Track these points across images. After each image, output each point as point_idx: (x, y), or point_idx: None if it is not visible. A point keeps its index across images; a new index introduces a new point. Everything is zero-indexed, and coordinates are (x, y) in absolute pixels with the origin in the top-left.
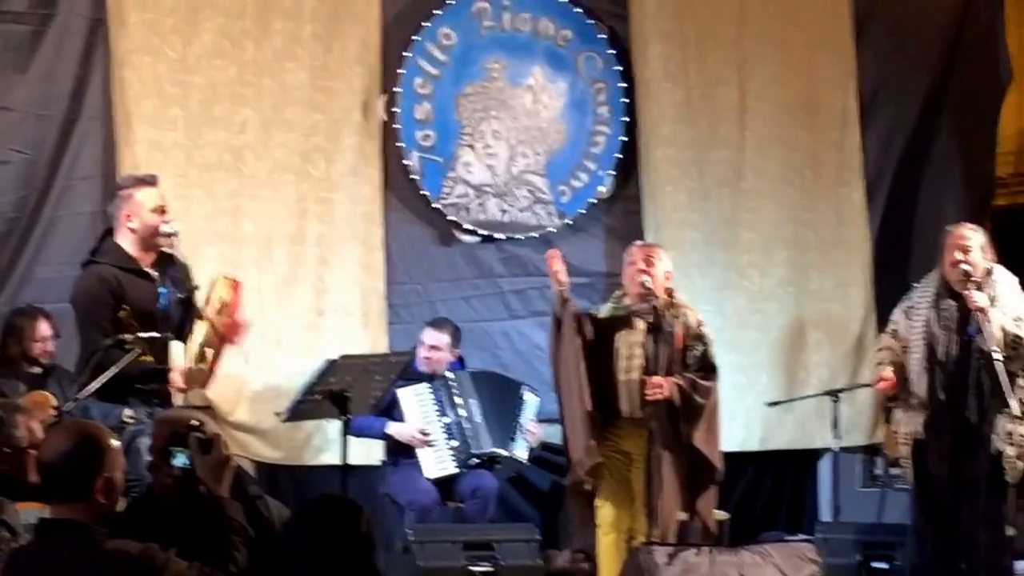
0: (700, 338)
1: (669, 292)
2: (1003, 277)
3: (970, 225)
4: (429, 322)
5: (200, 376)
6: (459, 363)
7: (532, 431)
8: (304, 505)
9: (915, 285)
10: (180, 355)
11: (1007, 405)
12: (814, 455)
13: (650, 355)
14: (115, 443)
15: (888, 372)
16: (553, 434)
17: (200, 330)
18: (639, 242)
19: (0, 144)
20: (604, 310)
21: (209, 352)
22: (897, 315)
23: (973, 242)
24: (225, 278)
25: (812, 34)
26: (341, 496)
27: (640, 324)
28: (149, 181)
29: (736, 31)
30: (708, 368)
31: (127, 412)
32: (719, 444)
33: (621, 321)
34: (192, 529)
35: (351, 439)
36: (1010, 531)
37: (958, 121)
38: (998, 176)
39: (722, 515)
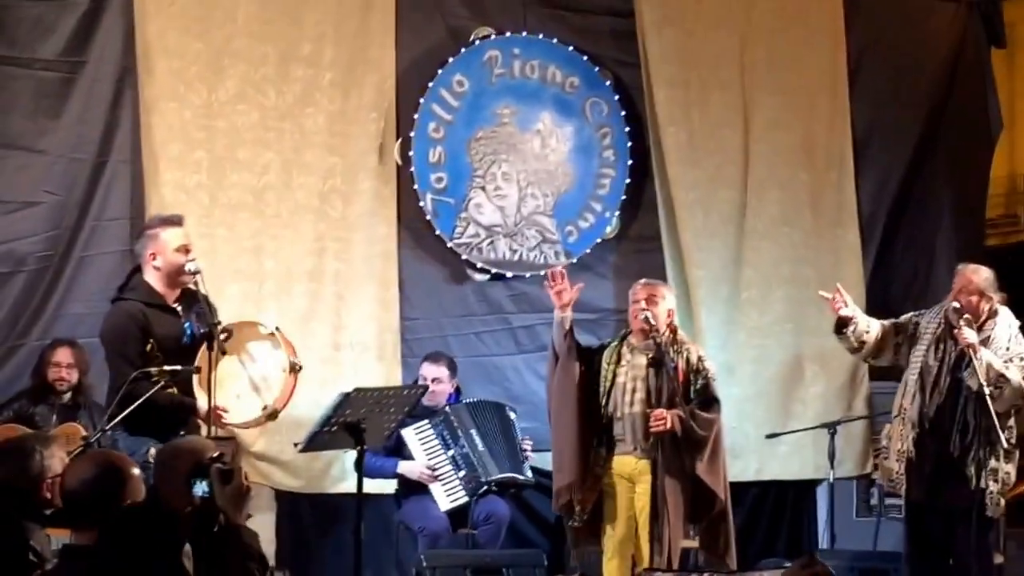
0: (701, 372)
1: (672, 328)
2: (1005, 319)
3: (974, 266)
4: (425, 357)
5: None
6: (455, 395)
7: (527, 449)
8: None
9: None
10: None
11: (997, 440)
12: (812, 484)
13: (652, 388)
14: (136, 471)
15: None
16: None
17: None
18: (643, 280)
19: (33, 186)
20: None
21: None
22: (911, 318)
23: (973, 284)
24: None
25: (810, 80)
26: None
27: (642, 359)
28: (174, 221)
29: (738, 77)
30: (710, 401)
31: (153, 452)
32: (723, 474)
33: (613, 349)
34: (211, 555)
35: None
36: (998, 559)
37: (949, 165)
38: (989, 218)
39: None
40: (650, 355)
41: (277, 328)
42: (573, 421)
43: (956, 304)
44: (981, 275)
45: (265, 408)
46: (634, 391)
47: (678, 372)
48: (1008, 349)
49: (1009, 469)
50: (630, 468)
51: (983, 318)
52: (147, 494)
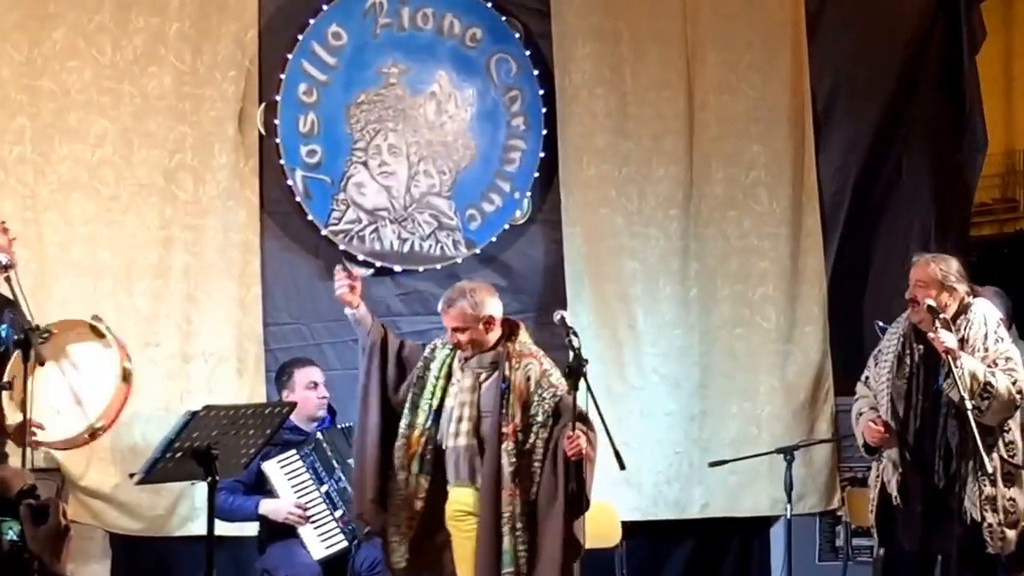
0: (547, 388)
1: (510, 337)
2: (979, 314)
3: (934, 255)
4: (297, 363)
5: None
6: (330, 418)
7: None
8: None
9: (881, 325)
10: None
11: (982, 466)
12: (764, 522)
13: (483, 413)
14: None
15: (876, 421)
16: None
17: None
18: (440, 305)
19: None
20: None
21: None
22: (870, 361)
23: (938, 275)
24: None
25: (764, 33)
26: None
27: (469, 380)
28: None
29: (679, 28)
30: (581, 419)
31: None
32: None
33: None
34: None
35: None
36: None
37: (927, 136)
38: (983, 202)
39: None
40: (481, 374)
41: (103, 323)
42: (372, 433)
43: (930, 301)
44: (944, 262)
45: (89, 426)
46: (460, 420)
47: (516, 390)
48: (987, 350)
49: (1013, 495)
50: (473, 499)
51: (950, 316)
52: None
